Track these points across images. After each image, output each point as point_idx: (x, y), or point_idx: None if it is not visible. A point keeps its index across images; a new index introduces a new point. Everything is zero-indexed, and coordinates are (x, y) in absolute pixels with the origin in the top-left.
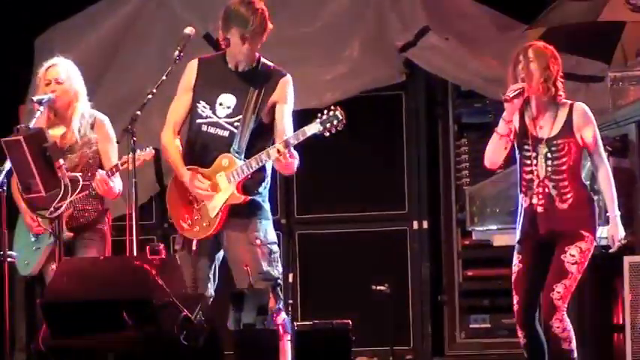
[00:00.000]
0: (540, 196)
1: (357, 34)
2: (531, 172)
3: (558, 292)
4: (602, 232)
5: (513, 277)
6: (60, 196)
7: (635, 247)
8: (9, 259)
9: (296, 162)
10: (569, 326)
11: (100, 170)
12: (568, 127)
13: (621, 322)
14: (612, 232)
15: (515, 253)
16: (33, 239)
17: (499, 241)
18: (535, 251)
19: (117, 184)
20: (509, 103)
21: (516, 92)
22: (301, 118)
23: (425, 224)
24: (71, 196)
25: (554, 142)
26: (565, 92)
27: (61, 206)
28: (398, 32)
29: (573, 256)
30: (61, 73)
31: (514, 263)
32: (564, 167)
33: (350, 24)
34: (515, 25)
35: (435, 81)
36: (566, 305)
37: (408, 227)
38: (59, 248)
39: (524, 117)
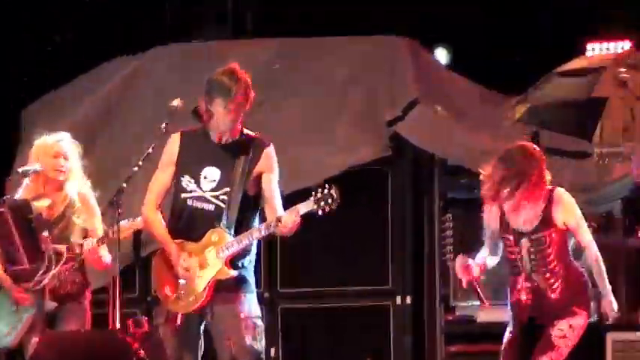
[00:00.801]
0: (528, 291)
1: (346, 111)
2: (516, 266)
3: None
4: None
5: (502, 346)
6: (44, 268)
7: (618, 325)
8: None
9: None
10: None
11: (88, 239)
12: (548, 219)
13: None
14: (606, 306)
15: (509, 324)
16: (13, 309)
17: (483, 316)
18: (526, 326)
19: (105, 255)
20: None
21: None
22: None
23: (408, 299)
24: (55, 269)
25: (536, 235)
26: (552, 170)
27: (44, 279)
28: (387, 107)
29: (561, 330)
30: (68, 148)
31: (506, 334)
32: (550, 258)
33: (340, 100)
34: (503, 100)
35: (421, 157)
36: None
37: (391, 302)
38: (42, 321)
39: (503, 209)
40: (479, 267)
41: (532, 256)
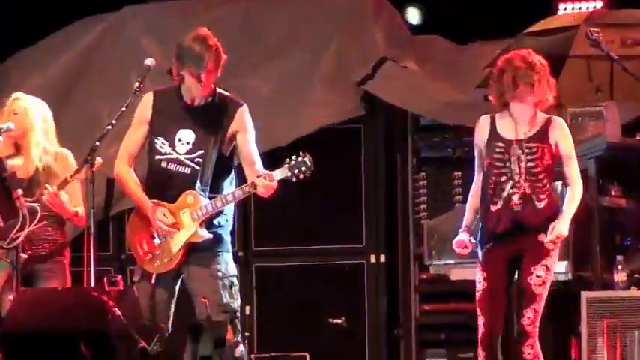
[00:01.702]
0: (518, 196)
1: (318, 72)
2: (504, 174)
3: (529, 318)
4: (560, 267)
5: (478, 295)
6: (18, 226)
7: (593, 283)
8: None
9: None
10: (540, 352)
11: (48, 186)
12: (544, 135)
13: (578, 356)
14: (559, 226)
15: (478, 269)
16: None
17: (457, 275)
18: (500, 268)
19: (66, 201)
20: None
21: None
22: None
23: (382, 258)
24: (29, 227)
25: (529, 144)
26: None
27: (19, 236)
28: (358, 67)
29: (540, 276)
30: (20, 105)
31: (478, 280)
32: (539, 169)
33: (312, 62)
34: (478, 51)
35: (394, 115)
36: (537, 329)
37: (365, 261)
38: (17, 278)
39: (494, 121)
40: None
41: (522, 164)
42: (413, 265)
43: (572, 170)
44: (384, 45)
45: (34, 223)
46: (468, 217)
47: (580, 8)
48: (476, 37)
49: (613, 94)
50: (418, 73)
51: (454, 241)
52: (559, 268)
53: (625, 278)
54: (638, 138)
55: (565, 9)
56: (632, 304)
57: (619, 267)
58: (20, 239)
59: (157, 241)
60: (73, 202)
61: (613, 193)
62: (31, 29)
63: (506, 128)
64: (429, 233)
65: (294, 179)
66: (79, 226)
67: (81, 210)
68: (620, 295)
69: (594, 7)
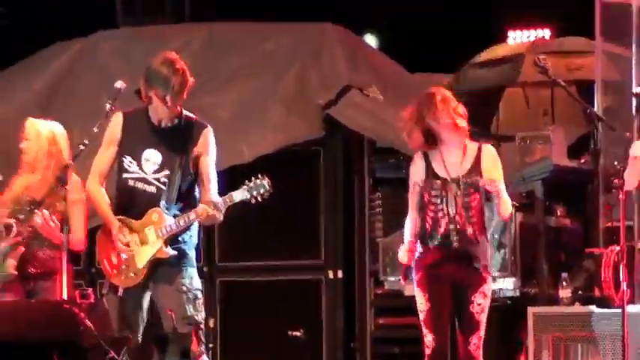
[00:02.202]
0: (454, 233)
1: (279, 93)
2: (440, 210)
3: (474, 344)
4: (508, 283)
5: (423, 316)
6: None
7: (539, 299)
8: None
9: (219, 218)
10: None
11: (45, 211)
12: (477, 167)
13: None
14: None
15: (418, 293)
16: None
17: (410, 290)
18: (440, 290)
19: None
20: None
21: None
22: (228, 175)
23: (340, 274)
24: (6, 241)
25: (465, 180)
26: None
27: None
28: (319, 91)
29: (480, 304)
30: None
31: (420, 302)
32: (474, 204)
33: (273, 85)
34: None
35: (352, 137)
36: (481, 351)
37: (323, 276)
38: None
39: (428, 159)
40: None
41: (458, 200)
42: (368, 281)
43: None
44: (347, 72)
45: (10, 238)
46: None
47: (529, 36)
48: (429, 64)
49: (555, 118)
50: (381, 103)
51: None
52: (507, 284)
53: (570, 295)
54: (582, 161)
55: (515, 37)
56: (576, 320)
57: (564, 284)
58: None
59: (123, 256)
60: (74, 225)
61: (559, 213)
62: (3, 50)
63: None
64: (384, 250)
65: (252, 201)
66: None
67: (76, 235)
68: (564, 311)
69: (542, 36)
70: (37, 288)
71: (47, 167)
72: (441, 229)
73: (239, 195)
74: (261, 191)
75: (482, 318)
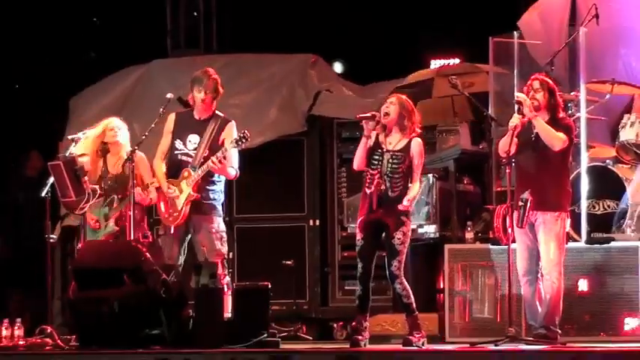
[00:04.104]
0: (380, 184)
1: (276, 101)
2: (377, 169)
3: (395, 266)
4: (430, 229)
5: (357, 249)
6: (84, 200)
7: (452, 239)
8: (51, 240)
9: (228, 171)
10: (407, 286)
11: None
12: (407, 147)
13: (442, 286)
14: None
15: (357, 230)
16: (94, 233)
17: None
18: (371, 230)
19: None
20: (362, 123)
21: (366, 115)
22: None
23: (317, 222)
24: (92, 200)
25: (396, 153)
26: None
27: (86, 207)
28: (303, 100)
29: (399, 238)
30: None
31: (357, 239)
32: (400, 170)
33: (271, 95)
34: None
35: (325, 132)
36: (402, 272)
37: (306, 224)
38: (83, 234)
39: (378, 137)
40: None
41: (388, 166)
42: (337, 227)
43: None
44: (318, 83)
45: (95, 197)
46: None
47: (448, 62)
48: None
49: (458, 116)
50: (344, 94)
51: None
52: (430, 229)
53: (473, 236)
54: (481, 146)
55: (436, 64)
56: (477, 253)
57: (469, 229)
58: (86, 209)
59: (170, 205)
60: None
61: (465, 182)
62: (91, 74)
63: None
64: (347, 206)
65: (239, 146)
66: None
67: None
68: (469, 247)
69: (454, 62)
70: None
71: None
72: (375, 182)
73: (230, 144)
74: (244, 140)
75: (401, 247)
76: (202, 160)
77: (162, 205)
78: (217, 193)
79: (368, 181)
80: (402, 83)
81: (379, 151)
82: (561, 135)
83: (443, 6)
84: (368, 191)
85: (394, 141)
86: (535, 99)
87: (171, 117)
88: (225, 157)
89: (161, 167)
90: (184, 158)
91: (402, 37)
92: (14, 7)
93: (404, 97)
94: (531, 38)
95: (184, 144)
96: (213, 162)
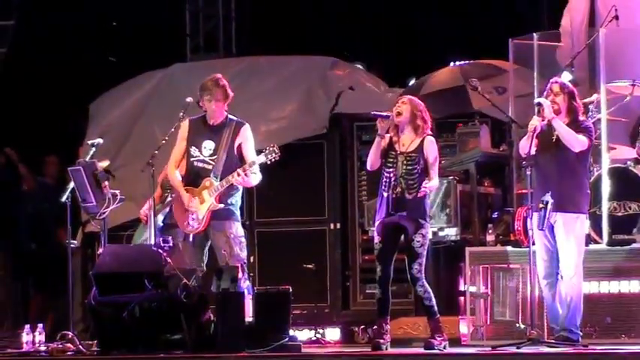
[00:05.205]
0: (396, 187)
1: (296, 103)
2: (392, 171)
3: (416, 269)
4: (451, 231)
5: (376, 252)
6: (105, 205)
7: (472, 241)
8: (72, 245)
9: (251, 182)
10: (429, 289)
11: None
12: (420, 148)
13: (463, 289)
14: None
15: (375, 234)
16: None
17: None
18: (389, 233)
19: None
20: (377, 122)
21: (380, 114)
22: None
23: (338, 225)
24: (112, 206)
25: (410, 154)
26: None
27: (106, 212)
28: (323, 101)
29: (419, 241)
30: None
31: (375, 242)
32: (415, 172)
33: (290, 96)
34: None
35: (345, 133)
36: (423, 274)
37: (327, 227)
38: (104, 238)
39: (391, 139)
40: None
41: (404, 168)
42: (358, 230)
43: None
44: (339, 83)
45: (116, 202)
46: None
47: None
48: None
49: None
50: (368, 90)
51: None
52: (451, 232)
53: (494, 239)
54: (501, 149)
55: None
56: (497, 255)
57: (489, 231)
58: (106, 213)
59: (191, 214)
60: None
61: (486, 184)
62: (111, 78)
63: None
64: (367, 210)
65: (268, 162)
66: None
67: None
68: (490, 250)
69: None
70: None
71: None
72: (391, 184)
73: (259, 159)
74: (274, 155)
75: (421, 250)
76: (222, 168)
77: (177, 215)
78: (236, 198)
79: (384, 183)
80: (431, 90)
81: (393, 153)
82: (581, 137)
83: (461, 8)
84: (385, 194)
85: (407, 142)
86: (555, 102)
87: (185, 124)
88: (248, 171)
89: (176, 175)
90: (201, 165)
91: (420, 39)
92: (34, 12)
93: (415, 97)
94: (565, 41)
95: (200, 150)
96: (239, 174)
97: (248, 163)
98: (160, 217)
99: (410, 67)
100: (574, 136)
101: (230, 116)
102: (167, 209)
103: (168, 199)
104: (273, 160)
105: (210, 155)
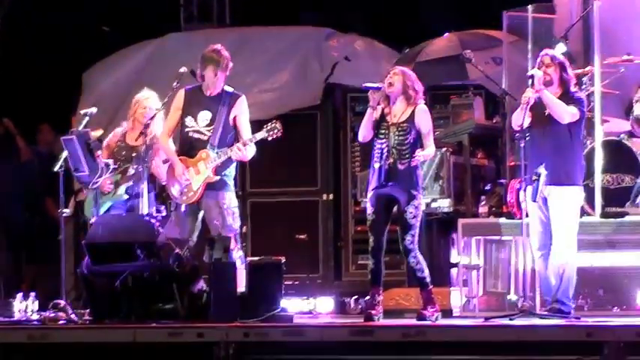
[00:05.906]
0: (387, 157)
1: (290, 74)
2: (385, 142)
3: (409, 240)
4: (444, 203)
5: (368, 223)
6: (97, 174)
7: (465, 213)
8: (64, 214)
9: (247, 155)
10: (421, 260)
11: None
12: (412, 118)
13: (456, 261)
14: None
15: (368, 205)
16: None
17: None
18: (382, 204)
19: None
20: (369, 93)
21: (372, 85)
22: (253, 126)
23: (331, 196)
24: (105, 175)
25: (402, 125)
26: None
27: (99, 181)
28: (317, 72)
29: (411, 212)
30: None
31: (368, 213)
32: (407, 142)
33: (285, 65)
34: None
35: (338, 104)
36: (415, 246)
37: (320, 198)
38: (97, 208)
39: (383, 110)
40: None
41: (395, 138)
42: (350, 201)
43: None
44: (334, 54)
45: (109, 172)
46: None
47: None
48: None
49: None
50: (354, 63)
51: None
52: (444, 203)
53: (486, 210)
54: (494, 120)
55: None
56: (490, 227)
57: (482, 203)
58: (99, 183)
59: (185, 182)
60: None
61: (479, 156)
62: (104, 48)
63: None
64: (360, 180)
65: (269, 138)
66: None
67: None
68: (483, 221)
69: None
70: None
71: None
72: (383, 156)
73: (260, 135)
74: (275, 131)
75: (414, 221)
76: (219, 140)
77: (170, 184)
78: (230, 169)
79: (377, 154)
80: (429, 58)
81: (385, 124)
82: (571, 108)
83: None
84: (377, 165)
85: (399, 112)
86: (547, 74)
87: (181, 93)
88: (247, 145)
89: (169, 144)
90: (196, 135)
91: (415, 9)
92: None
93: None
94: (560, 13)
95: (196, 121)
96: (239, 148)
97: (249, 138)
98: (122, 189)
99: (404, 40)
100: (563, 107)
101: (226, 87)
102: (130, 182)
103: (131, 171)
104: (275, 136)
105: (207, 126)
